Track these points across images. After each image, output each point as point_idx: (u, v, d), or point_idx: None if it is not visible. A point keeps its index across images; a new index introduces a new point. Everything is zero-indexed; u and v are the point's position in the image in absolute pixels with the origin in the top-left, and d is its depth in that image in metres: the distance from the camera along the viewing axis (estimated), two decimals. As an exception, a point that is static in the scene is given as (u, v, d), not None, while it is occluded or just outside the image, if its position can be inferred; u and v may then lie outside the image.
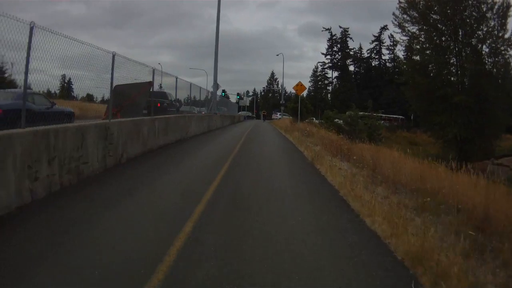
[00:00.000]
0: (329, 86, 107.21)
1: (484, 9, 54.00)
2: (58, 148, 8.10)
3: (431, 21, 56.77)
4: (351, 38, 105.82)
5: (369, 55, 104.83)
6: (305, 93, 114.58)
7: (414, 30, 58.35)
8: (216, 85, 31.66)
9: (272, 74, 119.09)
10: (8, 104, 10.65)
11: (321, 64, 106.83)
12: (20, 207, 6.61)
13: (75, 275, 4.27)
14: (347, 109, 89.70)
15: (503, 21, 53.52)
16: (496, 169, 20.04)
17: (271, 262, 4.74)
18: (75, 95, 14.86)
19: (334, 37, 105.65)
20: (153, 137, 14.92)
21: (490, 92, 48.43)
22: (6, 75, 11.37)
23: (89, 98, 15.14)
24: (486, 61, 54.45)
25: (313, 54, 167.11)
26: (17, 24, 7.14)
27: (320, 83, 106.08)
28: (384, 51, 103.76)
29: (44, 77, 8.78)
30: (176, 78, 20.02)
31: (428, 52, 57.49)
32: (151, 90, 16.04)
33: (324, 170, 11.64)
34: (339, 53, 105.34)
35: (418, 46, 57.95)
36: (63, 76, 11.94)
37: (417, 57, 58.88)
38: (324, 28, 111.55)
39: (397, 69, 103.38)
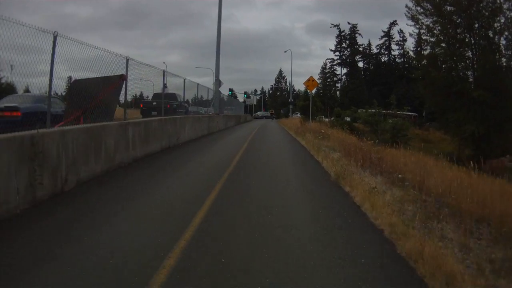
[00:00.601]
0: (338, 83, 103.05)
1: (501, 0, 50.08)
2: None
3: (445, 13, 52.81)
4: (360, 34, 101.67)
5: (378, 50, 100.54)
6: (314, 90, 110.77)
7: (428, 22, 54.27)
8: (218, 82, 27.85)
9: (280, 71, 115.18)
10: (26, 107, 10.80)
11: (329, 60, 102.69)
12: None
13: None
14: (357, 107, 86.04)
15: (520, 12, 49.28)
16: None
17: None
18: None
19: (343, 33, 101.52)
20: (125, 149, 11.11)
21: (509, 86, 44.60)
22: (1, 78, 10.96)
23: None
24: (504, 54, 50.54)
25: (321, 52, 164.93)
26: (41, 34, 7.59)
27: (328, 80, 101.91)
28: (393, 46, 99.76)
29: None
30: (184, 79, 19.78)
31: (443, 45, 53.49)
32: (168, 92, 16.37)
33: (359, 197, 7.67)
34: (348, 50, 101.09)
35: (433, 39, 53.84)
36: (69, 78, 11.48)
37: (432, 51, 54.89)
38: (332, 24, 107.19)
39: (406, 65, 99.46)
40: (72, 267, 4.27)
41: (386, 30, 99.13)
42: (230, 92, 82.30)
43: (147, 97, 20.60)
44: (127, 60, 11.73)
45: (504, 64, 49.48)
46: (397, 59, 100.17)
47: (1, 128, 8.27)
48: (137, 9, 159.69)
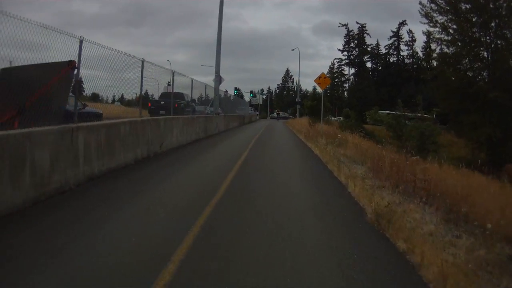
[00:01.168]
0: (346, 83, 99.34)
1: (519, -2, 46.43)
2: None
3: (461, 10, 49.18)
4: (368, 34, 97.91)
5: (387, 51, 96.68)
6: (320, 89, 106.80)
7: (442, 20, 50.59)
8: (218, 78, 24.34)
9: (287, 71, 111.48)
10: None
11: (337, 60, 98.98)
12: None
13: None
14: (364, 107, 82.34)
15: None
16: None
17: None
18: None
19: (351, 33, 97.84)
20: (72, 165, 7.59)
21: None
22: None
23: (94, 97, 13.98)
24: (522, 54, 46.93)
25: (328, 53, 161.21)
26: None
27: (336, 80, 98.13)
28: (402, 47, 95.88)
29: None
30: (192, 79, 19.97)
31: (459, 43, 49.84)
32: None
33: (437, 275, 4.13)
34: (356, 49, 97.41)
35: (448, 38, 50.11)
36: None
37: (446, 50, 51.24)
38: (340, 23, 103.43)
39: (415, 66, 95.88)
40: None
41: (395, 30, 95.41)
42: (236, 91, 78.92)
43: (152, 95, 20.11)
44: (143, 62, 12.15)
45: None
46: (405, 60, 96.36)
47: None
48: (143, 7, 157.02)
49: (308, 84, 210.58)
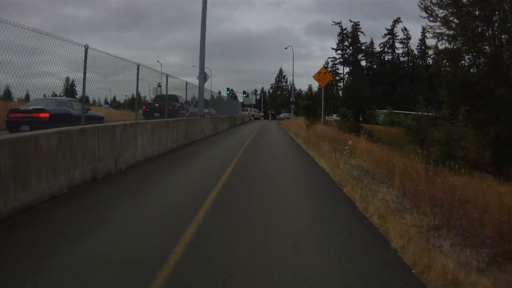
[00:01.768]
0: (340, 82, 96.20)
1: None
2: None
3: (462, 4, 46.08)
4: (362, 32, 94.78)
5: (381, 49, 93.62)
6: (315, 88, 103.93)
7: (443, 14, 47.42)
8: (202, 76, 20.96)
9: (281, 70, 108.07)
10: (53, 109, 11.28)
11: (331, 59, 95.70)
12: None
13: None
14: (360, 106, 79.19)
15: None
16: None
17: None
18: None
19: (345, 31, 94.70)
20: None
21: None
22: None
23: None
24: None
25: (321, 53, 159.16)
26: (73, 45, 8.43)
27: (331, 79, 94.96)
28: (397, 45, 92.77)
29: (52, 80, 8.54)
30: (186, 83, 20.24)
31: (460, 39, 46.72)
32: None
33: None
34: (350, 48, 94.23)
35: (450, 32, 46.91)
36: (67, 78, 11.31)
37: (447, 46, 48.09)
38: (334, 22, 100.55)
39: (411, 64, 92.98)
40: None
41: (389, 28, 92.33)
42: (228, 92, 75.58)
43: (145, 97, 19.52)
44: (138, 66, 12.24)
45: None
46: (401, 58, 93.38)
47: (32, 128, 8.74)
48: (136, 10, 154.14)
49: (301, 84, 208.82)
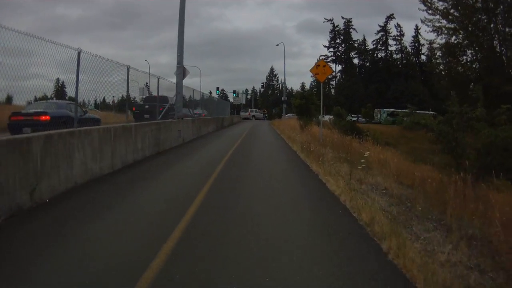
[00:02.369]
0: (333, 80, 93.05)
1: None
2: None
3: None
4: (354, 29, 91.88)
5: (374, 46, 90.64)
6: (308, 86, 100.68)
7: (443, 7, 44.47)
8: (181, 70, 17.45)
9: (272, 69, 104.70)
10: (53, 112, 11.19)
11: (323, 57, 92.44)
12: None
13: None
14: (353, 104, 76.08)
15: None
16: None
17: None
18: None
19: (337, 28, 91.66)
20: None
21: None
22: None
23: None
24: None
25: (312, 51, 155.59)
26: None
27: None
28: (390, 42, 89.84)
29: (43, 82, 8.49)
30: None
31: (461, 32, 43.77)
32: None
33: None
34: (343, 45, 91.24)
35: (451, 25, 43.87)
36: (57, 80, 11.40)
37: (447, 40, 45.12)
38: (326, 19, 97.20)
39: (405, 61, 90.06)
40: None
41: (382, 24, 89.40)
42: (218, 91, 72.06)
43: (134, 98, 18.30)
44: (128, 69, 12.06)
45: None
46: (394, 55, 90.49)
47: (33, 130, 8.58)
48: (127, 10, 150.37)
49: (293, 83, 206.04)
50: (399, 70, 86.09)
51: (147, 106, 16.96)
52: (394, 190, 8.34)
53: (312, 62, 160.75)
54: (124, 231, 5.30)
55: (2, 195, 5.67)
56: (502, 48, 41.79)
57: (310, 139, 17.55)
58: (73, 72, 8.90)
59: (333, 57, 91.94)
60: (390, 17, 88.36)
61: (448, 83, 43.72)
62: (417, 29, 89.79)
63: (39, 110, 11.34)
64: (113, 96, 15.93)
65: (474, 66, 42.40)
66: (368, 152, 9.61)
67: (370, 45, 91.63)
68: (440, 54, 46.88)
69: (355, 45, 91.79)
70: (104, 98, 16.91)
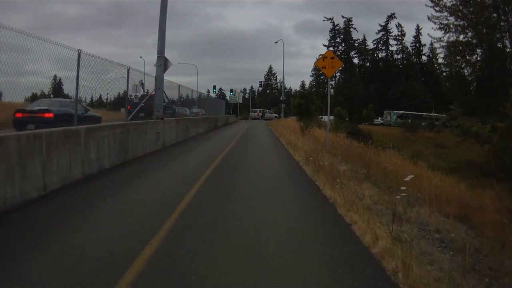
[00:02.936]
0: (332, 80, 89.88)
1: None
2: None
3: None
4: (355, 28, 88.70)
5: (375, 45, 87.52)
6: (307, 85, 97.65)
7: (451, 3, 41.51)
8: (162, 61, 14.37)
9: (270, 68, 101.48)
10: (57, 110, 11.46)
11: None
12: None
13: None
14: (353, 105, 73.03)
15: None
16: None
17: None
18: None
19: (337, 27, 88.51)
20: None
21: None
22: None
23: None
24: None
25: (311, 51, 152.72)
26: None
27: (322, 77, 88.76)
28: (391, 42, 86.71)
29: (40, 79, 8.25)
30: (179, 86, 20.60)
31: (469, 30, 40.82)
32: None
33: None
34: (342, 45, 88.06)
35: (459, 22, 40.89)
36: (54, 77, 11.21)
37: (454, 38, 42.17)
38: (325, 17, 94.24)
39: (405, 61, 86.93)
40: None
41: (383, 24, 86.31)
42: (214, 90, 68.92)
43: (131, 96, 17.90)
44: (128, 70, 12.50)
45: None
46: (395, 55, 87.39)
47: (37, 127, 8.73)
48: (123, 8, 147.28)
49: (291, 83, 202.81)
50: (399, 70, 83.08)
51: (142, 104, 15.89)
52: (451, 233, 5.35)
53: (311, 62, 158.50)
54: None
55: None
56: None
57: (314, 145, 14.49)
58: (69, 69, 8.96)
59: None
60: (391, 17, 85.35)
61: (455, 84, 40.79)
62: (418, 29, 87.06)
63: (43, 107, 11.40)
64: (107, 94, 15.94)
65: (483, 65, 39.42)
66: (411, 176, 6.49)
67: (370, 45, 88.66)
68: (447, 53, 43.69)
69: (355, 44, 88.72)
70: (100, 96, 17.79)
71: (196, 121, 22.10)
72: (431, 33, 71.79)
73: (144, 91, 17.55)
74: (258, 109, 69.59)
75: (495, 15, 40.32)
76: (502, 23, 40.53)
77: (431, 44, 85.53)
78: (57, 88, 13.54)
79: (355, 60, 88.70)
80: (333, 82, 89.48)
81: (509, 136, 10.13)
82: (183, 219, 5.61)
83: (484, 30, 40.95)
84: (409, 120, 62.21)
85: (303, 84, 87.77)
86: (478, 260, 4.53)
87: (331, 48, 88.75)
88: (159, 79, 14.21)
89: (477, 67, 38.17)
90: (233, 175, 9.55)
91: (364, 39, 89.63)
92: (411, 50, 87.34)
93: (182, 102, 23.22)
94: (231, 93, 70.76)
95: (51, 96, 13.11)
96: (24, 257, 4.09)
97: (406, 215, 5.91)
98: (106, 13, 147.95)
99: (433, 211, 6.67)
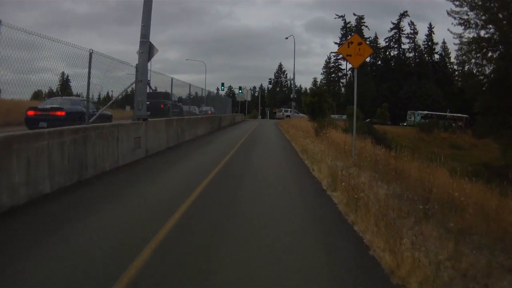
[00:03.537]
0: (343, 78, 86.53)
1: None
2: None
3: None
4: (366, 26, 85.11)
5: (387, 43, 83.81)
6: (318, 83, 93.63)
7: (471, -2, 37.93)
8: (147, 47, 11.28)
9: (280, 66, 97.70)
10: (68, 108, 11.26)
11: (334, 54, 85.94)
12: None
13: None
14: (364, 104, 69.52)
15: None
16: None
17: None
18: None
19: (349, 25, 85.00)
20: None
21: None
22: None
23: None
24: None
25: (321, 50, 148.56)
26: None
27: (333, 75, 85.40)
28: (403, 40, 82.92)
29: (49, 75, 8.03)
30: (190, 85, 20.59)
31: (491, 26, 37.27)
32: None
33: None
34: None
35: (483, 17, 37.29)
36: (62, 74, 10.85)
37: (474, 34, 38.60)
38: (337, 15, 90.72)
39: (418, 60, 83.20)
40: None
41: (395, 22, 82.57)
42: (223, 87, 65.59)
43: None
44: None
45: None
46: (407, 54, 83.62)
47: (49, 124, 8.64)
48: (134, 5, 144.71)
49: (302, 81, 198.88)
50: (412, 69, 79.44)
51: (148, 103, 14.62)
52: None
53: (321, 61, 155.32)
54: None
55: None
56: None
57: (335, 152, 11.35)
58: (77, 66, 8.70)
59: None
60: (403, 15, 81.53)
61: (477, 82, 37.18)
62: (430, 27, 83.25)
63: (55, 105, 11.27)
64: (111, 91, 15.50)
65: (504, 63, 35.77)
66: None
67: (382, 43, 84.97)
68: (467, 50, 40.00)
69: (367, 42, 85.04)
70: (107, 93, 17.21)
71: (194, 122, 18.89)
72: (450, 28, 67.59)
73: (151, 88, 15.50)
74: (283, 108, 65.44)
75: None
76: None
77: (444, 43, 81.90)
78: (64, 85, 13.18)
79: (367, 59, 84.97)
80: (344, 80, 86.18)
81: None
82: None
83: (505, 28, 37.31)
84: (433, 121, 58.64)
85: (315, 81, 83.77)
86: None
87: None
88: (141, 69, 11.11)
89: (499, 64, 34.60)
90: (223, 214, 6.10)
91: (376, 37, 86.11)
92: (423, 49, 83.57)
93: (191, 101, 22.41)
94: (240, 91, 67.55)
95: (59, 93, 12.59)
96: None
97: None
98: (116, 10, 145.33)
99: None
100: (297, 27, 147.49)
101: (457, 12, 40.81)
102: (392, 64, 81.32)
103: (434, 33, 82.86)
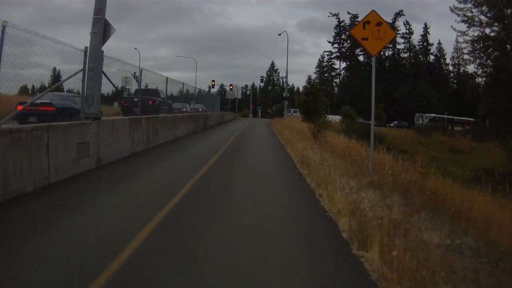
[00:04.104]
0: (337, 78, 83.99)
1: None
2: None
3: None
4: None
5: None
6: (312, 80, 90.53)
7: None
8: (101, 24, 8.47)
9: (272, 64, 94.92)
10: (58, 103, 11.57)
11: (327, 53, 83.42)
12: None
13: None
14: (358, 104, 67.03)
15: None
16: None
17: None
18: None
19: (342, 24, 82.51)
20: None
21: None
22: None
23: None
24: None
25: (314, 49, 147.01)
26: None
27: (326, 74, 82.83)
28: (398, 40, 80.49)
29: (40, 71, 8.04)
30: (183, 84, 20.75)
31: (496, 24, 34.95)
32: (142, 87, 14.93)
33: None
34: (348, 42, 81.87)
35: (488, 15, 34.90)
36: (54, 69, 11.01)
37: (482, 32, 36.28)
38: (330, 13, 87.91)
39: (413, 60, 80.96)
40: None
41: (390, 21, 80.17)
42: (213, 87, 62.55)
43: (129, 89, 18.85)
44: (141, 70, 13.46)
45: None
46: (402, 54, 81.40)
47: (39, 119, 9.11)
48: (126, 3, 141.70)
49: (294, 80, 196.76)
50: (407, 69, 77.27)
51: (136, 99, 14.58)
52: None
53: (314, 61, 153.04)
54: None
55: None
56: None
57: (345, 165, 8.70)
58: (70, 63, 8.47)
59: (338, 54, 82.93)
60: (398, 14, 79.30)
61: (484, 83, 34.89)
62: (426, 28, 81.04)
63: (45, 101, 11.09)
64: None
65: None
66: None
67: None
68: (471, 49, 37.69)
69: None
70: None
71: (172, 121, 15.93)
72: (454, 26, 64.55)
73: (140, 85, 14.91)
74: (293, 110, 59.03)
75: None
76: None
77: (439, 43, 79.87)
78: (56, 80, 12.80)
79: (361, 58, 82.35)
80: (337, 80, 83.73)
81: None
82: None
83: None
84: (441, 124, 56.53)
85: (309, 79, 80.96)
86: None
87: (335, 45, 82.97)
88: (92, 54, 8.30)
89: (507, 65, 32.30)
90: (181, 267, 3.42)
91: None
92: (418, 49, 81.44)
93: (180, 98, 22.01)
94: (230, 89, 64.74)
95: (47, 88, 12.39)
96: None
97: None
98: (108, 7, 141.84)
99: None
100: (289, 26, 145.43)
101: (461, 9, 38.49)
102: (387, 65, 78.97)
103: (429, 34, 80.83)
